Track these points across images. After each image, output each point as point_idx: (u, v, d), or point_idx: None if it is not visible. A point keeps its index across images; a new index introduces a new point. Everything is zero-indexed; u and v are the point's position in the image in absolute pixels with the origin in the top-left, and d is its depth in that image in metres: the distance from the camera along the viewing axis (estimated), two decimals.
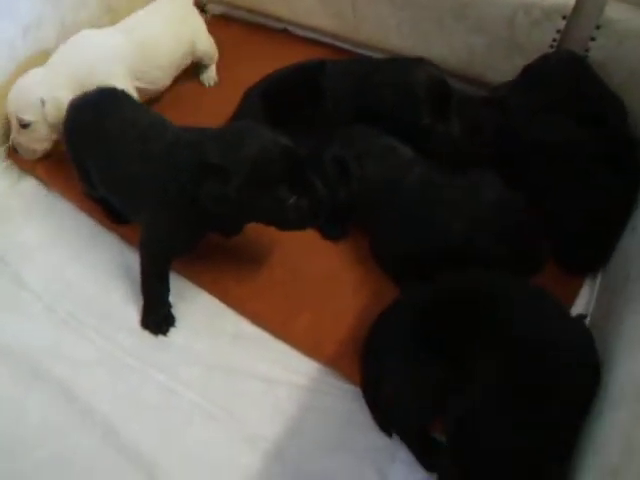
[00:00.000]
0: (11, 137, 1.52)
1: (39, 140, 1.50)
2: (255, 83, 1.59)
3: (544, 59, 1.45)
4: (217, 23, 2.02)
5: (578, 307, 1.32)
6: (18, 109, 1.45)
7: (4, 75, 1.54)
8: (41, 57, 1.55)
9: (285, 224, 1.16)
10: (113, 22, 1.69)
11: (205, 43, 1.77)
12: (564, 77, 1.40)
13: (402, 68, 1.42)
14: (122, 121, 1.25)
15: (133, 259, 1.36)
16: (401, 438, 1.12)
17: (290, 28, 1.93)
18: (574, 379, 0.95)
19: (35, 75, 1.48)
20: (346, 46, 1.84)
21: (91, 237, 1.46)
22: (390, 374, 1.12)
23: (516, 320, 1.01)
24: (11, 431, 1.17)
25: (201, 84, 1.80)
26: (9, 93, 1.46)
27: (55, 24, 1.59)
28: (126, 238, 1.43)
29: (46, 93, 1.44)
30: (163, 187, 1.14)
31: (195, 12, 1.80)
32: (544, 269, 1.21)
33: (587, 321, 1.29)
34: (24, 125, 1.46)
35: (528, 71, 1.46)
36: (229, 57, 1.85)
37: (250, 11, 1.95)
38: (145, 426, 1.17)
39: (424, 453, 1.09)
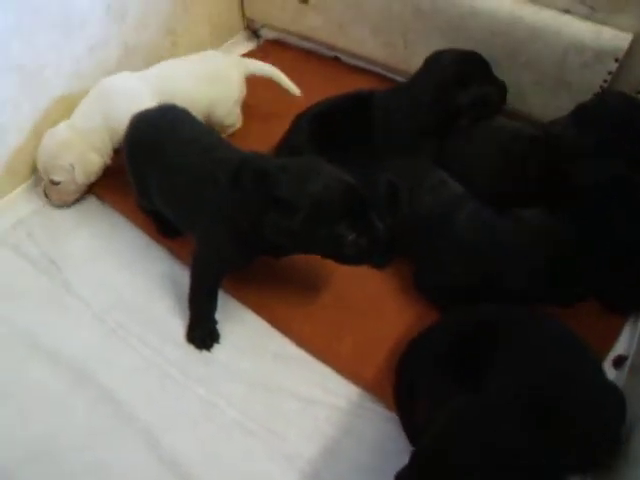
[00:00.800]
0: (42, 184, 1.58)
1: (68, 194, 1.58)
2: (304, 110, 1.65)
3: (599, 99, 1.48)
4: (269, 48, 2.11)
5: (619, 348, 1.34)
6: (48, 169, 1.51)
7: (69, 89, 1.62)
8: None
9: (343, 260, 1.19)
10: (174, 44, 1.78)
11: (223, 112, 1.71)
12: (619, 118, 1.42)
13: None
14: (183, 139, 1.30)
15: (181, 273, 1.43)
16: None
17: (341, 56, 1.99)
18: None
19: (63, 136, 1.50)
20: (396, 76, 1.89)
21: (141, 249, 1.51)
22: (420, 397, 1.17)
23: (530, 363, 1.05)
24: (52, 433, 1.21)
25: (252, 106, 1.86)
26: (39, 148, 1.51)
27: (119, 45, 1.68)
28: (175, 252, 1.48)
29: (76, 158, 1.50)
30: (225, 209, 1.19)
31: (233, 80, 1.71)
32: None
33: (628, 362, 1.31)
34: (54, 183, 1.53)
35: (582, 110, 1.47)
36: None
37: (303, 38, 2.02)
38: (185, 438, 1.20)
39: None
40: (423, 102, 1.53)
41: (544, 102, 1.61)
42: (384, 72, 1.92)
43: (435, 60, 1.56)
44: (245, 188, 1.16)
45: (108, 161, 1.57)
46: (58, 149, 1.50)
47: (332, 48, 1.98)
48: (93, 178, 1.57)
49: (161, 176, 1.31)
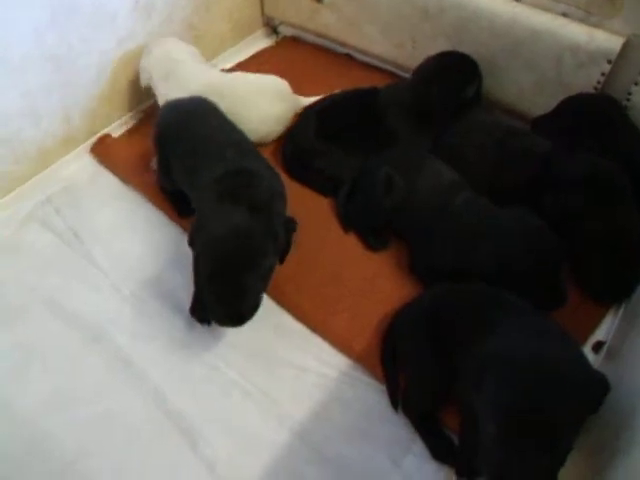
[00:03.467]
0: None
1: None
2: (312, 104, 1.80)
3: (578, 97, 1.61)
4: (287, 44, 2.26)
5: (599, 334, 1.44)
6: None
7: (98, 80, 1.80)
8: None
9: None
10: (196, 38, 1.95)
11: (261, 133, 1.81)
12: (595, 115, 1.55)
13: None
14: (208, 128, 1.48)
15: None
16: (411, 422, 1.28)
17: (353, 53, 2.13)
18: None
19: None
20: (405, 74, 2.00)
21: (158, 228, 1.66)
22: (403, 363, 1.31)
23: (504, 337, 1.12)
24: (68, 387, 1.36)
25: None
26: None
27: (145, 37, 1.85)
28: (187, 230, 1.63)
29: None
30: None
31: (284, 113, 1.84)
32: (565, 303, 1.34)
33: (605, 347, 1.42)
34: None
35: (561, 107, 1.62)
36: (295, 75, 2.01)
37: (318, 35, 2.17)
38: (190, 396, 1.35)
39: (433, 440, 1.25)
40: (426, 94, 1.67)
41: (543, 101, 1.72)
42: (394, 69, 2.05)
43: (439, 58, 1.71)
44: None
45: None
46: None
47: (345, 45, 2.11)
48: None
49: (186, 160, 1.47)
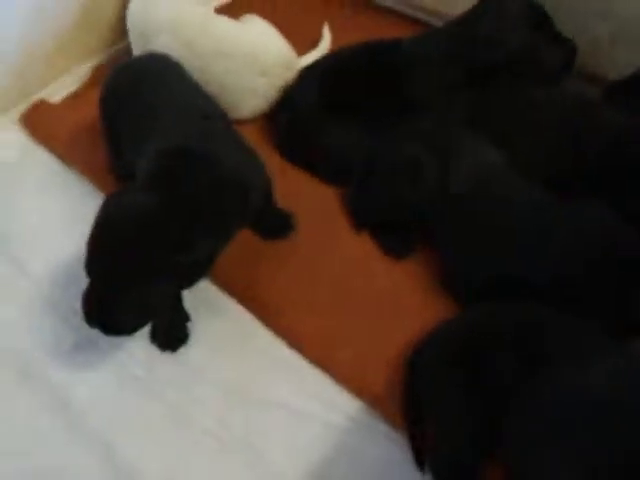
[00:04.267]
0: None
1: None
2: (314, 62, 1.82)
3: None
4: None
5: None
6: None
7: (31, 30, 1.80)
8: None
9: None
10: None
11: None
12: None
13: None
14: (164, 91, 1.51)
15: None
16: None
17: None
18: None
19: None
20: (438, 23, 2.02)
21: None
22: (430, 409, 1.31)
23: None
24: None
25: None
26: None
27: None
28: None
29: None
30: None
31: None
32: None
33: None
34: None
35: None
36: (288, 23, 2.01)
37: None
38: (146, 448, 1.35)
39: None
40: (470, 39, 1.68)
41: (622, 61, 1.73)
42: (424, 17, 2.07)
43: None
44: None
45: None
46: None
47: None
48: None
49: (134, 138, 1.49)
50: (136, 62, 1.64)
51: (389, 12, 2.14)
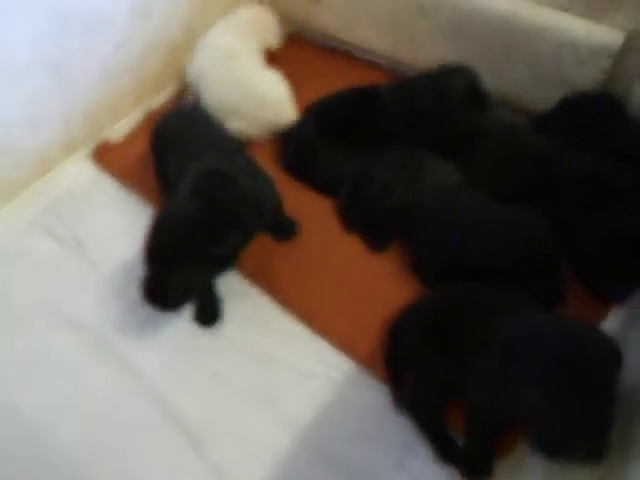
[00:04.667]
0: None
1: None
2: (312, 104, 1.81)
3: (577, 96, 1.61)
4: (287, 42, 2.22)
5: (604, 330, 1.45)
6: None
7: (96, 86, 1.81)
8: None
9: None
10: (190, 41, 1.95)
11: None
12: (595, 115, 1.55)
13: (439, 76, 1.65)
14: (197, 133, 1.54)
15: None
16: (415, 423, 1.30)
17: (353, 50, 2.12)
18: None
19: None
20: (403, 69, 2.02)
21: None
22: (408, 365, 1.34)
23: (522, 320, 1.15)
24: (73, 392, 1.40)
25: None
26: None
27: (141, 43, 1.87)
28: None
29: None
30: None
31: None
32: (563, 299, 1.35)
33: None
34: None
35: (560, 106, 1.63)
36: (294, 74, 2.00)
37: (316, 34, 2.16)
38: (193, 401, 1.38)
39: (438, 441, 1.27)
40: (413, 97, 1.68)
41: (543, 96, 1.72)
42: (392, 65, 2.05)
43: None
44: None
45: None
46: None
47: (343, 43, 2.11)
48: None
49: (175, 165, 1.51)
50: (176, 113, 1.68)
51: (369, 64, 2.12)
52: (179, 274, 1.31)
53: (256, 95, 1.80)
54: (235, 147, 1.58)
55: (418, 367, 1.33)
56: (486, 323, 1.21)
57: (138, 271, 1.56)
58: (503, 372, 1.08)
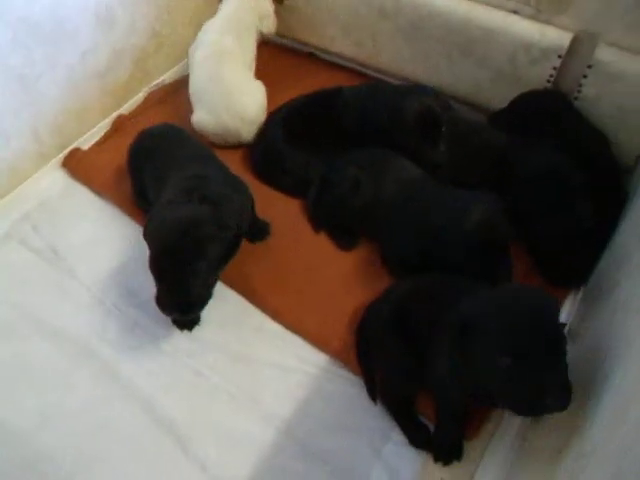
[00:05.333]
0: None
1: None
2: (278, 107, 1.85)
3: (528, 94, 1.70)
4: None
5: (561, 318, 1.53)
6: None
7: (64, 95, 1.82)
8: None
9: None
10: (158, 46, 1.97)
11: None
12: (545, 111, 1.64)
13: (398, 96, 1.67)
14: (172, 152, 1.58)
15: None
16: (388, 412, 1.37)
17: (316, 52, 2.18)
18: None
19: None
20: (367, 71, 2.08)
21: (135, 237, 1.68)
22: (376, 357, 1.40)
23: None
24: (57, 402, 1.41)
25: None
26: None
27: (108, 50, 1.88)
28: None
29: None
30: None
31: None
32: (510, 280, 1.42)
33: (566, 329, 1.51)
34: None
35: (513, 105, 1.72)
36: (260, 78, 2.03)
37: (281, 36, 2.20)
38: (177, 402, 1.41)
39: (410, 428, 1.34)
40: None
41: (501, 95, 1.79)
42: (356, 67, 2.11)
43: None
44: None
45: None
46: None
47: (307, 45, 2.16)
48: None
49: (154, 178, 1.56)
50: (151, 130, 1.70)
51: (333, 65, 2.18)
52: (200, 275, 1.30)
53: (235, 106, 1.82)
54: (210, 156, 1.62)
55: (383, 358, 1.39)
56: (442, 308, 1.25)
57: (117, 279, 1.63)
58: (460, 349, 1.12)
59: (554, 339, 1.03)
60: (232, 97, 1.82)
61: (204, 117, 1.84)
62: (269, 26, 2.03)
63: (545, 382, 1.00)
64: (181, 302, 1.32)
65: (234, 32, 1.87)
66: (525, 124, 1.67)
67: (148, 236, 1.35)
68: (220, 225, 1.34)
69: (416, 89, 1.70)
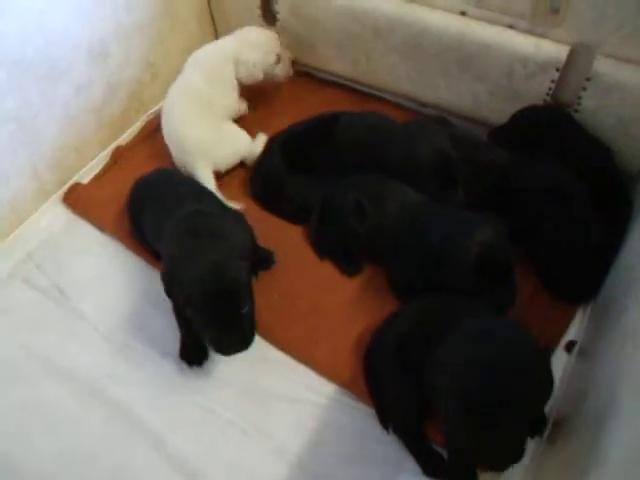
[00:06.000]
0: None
1: None
2: (276, 134, 1.85)
3: (528, 109, 1.69)
4: None
5: (571, 334, 1.53)
6: None
7: (61, 131, 1.82)
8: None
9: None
10: (153, 76, 1.96)
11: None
12: (545, 126, 1.63)
13: (409, 139, 1.66)
14: (167, 194, 1.60)
15: None
16: (400, 439, 1.36)
17: (312, 71, 2.17)
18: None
19: None
20: (363, 89, 2.07)
21: (139, 272, 1.71)
22: (384, 387, 1.39)
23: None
24: (72, 444, 1.41)
25: None
26: None
27: (103, 84, 1.87)
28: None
29: None
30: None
31: None
32: (514, 302, 1.41)
33: (576, 346, 1.50)
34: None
35: (513, 120, 1.71)
36: (258, 99, 2.07)
37: None
38: (188, 439, 1.40)
39: (423, 456, 1.33)
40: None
41: (499, 110, 1.79)
42: (352, 84, 2.10)
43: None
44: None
45: None
46: None
47: (303, 65, 2.14)
48: None
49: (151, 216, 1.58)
50: (149, 176, 1.72)
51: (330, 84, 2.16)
52: (249, 309, 1.37)
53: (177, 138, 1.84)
54: (206, 193, 1.64)
55: (390, 387, 1.38)
56: (444, 333, 1.23)
57: (124, 315, 1.63)
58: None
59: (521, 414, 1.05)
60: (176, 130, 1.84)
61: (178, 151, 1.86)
62: (284, 70, 1.99)
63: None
64: (241, 339, 1.37)
65: (206, 74, 1.85)
66: (526, 140, 1.65)
67: (184, 287, 1.34)
68: (243, 258, 1.39)
69: (420, 128, 1.69)
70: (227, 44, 1.90)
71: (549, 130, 1.64)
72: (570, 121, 1.66)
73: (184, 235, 1.43)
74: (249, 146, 1.87)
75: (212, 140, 1.81)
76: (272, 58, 1.92)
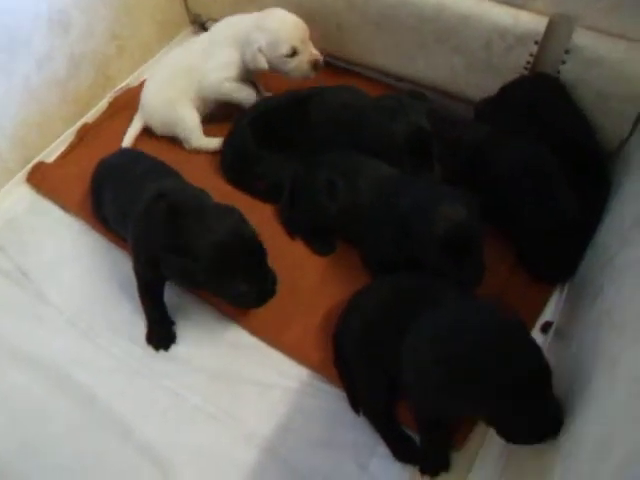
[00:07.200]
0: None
1: None
2: (245, 111, 1.77)
3: (518, 81, 1.63)
4: None
5: (548, 315, 1.50)
6: None
7: (22, 106, 1.73)
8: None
9: (232, 304, 1.44)
10: (120, 49, 1.87)
11: None
12: (534, 99, 1.58)
13: (384, 114, 1.58)
14: (130, 171, 1.54)
15: None
16: (371, 425, 1.34)
17: None
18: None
19: None
20: (337, 62, 1.99)
21: (105, 254, 1.65)
22: (352, 371, 1.36)
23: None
24: (37, 432, 1.37)
25: None
26: None
27: (65, 56, 1.78)
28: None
29: None
30: (138, 235, 1.42)
31: None
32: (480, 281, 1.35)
33: (553, 327, 1.47)
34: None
35: (503, 92, 1.64)
36: None
37: None
38: (155, 426, 1.37)
39: (394, 441, 1.30)
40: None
41: (477, 83, 1.73)
42: (326, 58, 1.98)
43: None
44: (152, 222, 1.35)
45: None
46: None
47: None
48: None
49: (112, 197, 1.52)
50: (111, 158, 1.67)
51: None
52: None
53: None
54: (170, 171, 1.58)
55: (357, 370, 1.34)
56: (409, 316, 1.20)
57: (90, 298, 1.57)
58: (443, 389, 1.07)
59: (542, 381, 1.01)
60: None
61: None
62: (300, 69, 1.74)
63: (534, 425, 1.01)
64: (268, 288, 1.40)
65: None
66: (512, 112, 1.60)
67: (212, 249, 1.29)
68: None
69: (395, 103, 1.60)
70: (246, 20, 1.78)
71: (536, 103, 1.58)
72: (558, 92, 1.60)
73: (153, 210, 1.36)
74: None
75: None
76: (284, 49, 1.69)
